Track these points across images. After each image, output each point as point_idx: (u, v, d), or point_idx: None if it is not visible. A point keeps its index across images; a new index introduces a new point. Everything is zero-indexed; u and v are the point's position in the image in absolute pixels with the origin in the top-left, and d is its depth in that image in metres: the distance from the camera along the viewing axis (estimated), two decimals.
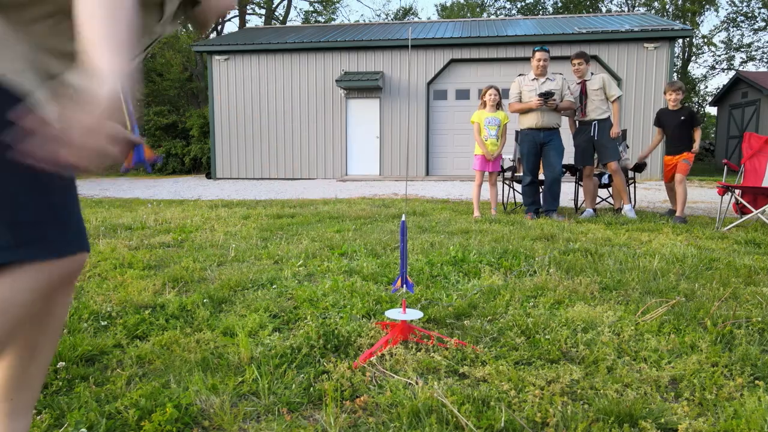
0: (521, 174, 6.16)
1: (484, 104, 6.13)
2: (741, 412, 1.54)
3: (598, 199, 6.57)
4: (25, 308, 1.00)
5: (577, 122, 6.13)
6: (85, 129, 0.80)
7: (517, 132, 6.32)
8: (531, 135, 5.88)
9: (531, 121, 5.86)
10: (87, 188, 12.46)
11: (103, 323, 2.32)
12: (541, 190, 6.13)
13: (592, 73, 6.05)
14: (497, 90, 6.09)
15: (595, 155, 6.07)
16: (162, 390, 1.70)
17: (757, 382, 1.75)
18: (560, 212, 6.41)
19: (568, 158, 7.24)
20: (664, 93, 6.07)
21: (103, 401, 1.64)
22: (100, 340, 2.11)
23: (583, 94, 5.96)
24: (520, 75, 6.12)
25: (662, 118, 6.17)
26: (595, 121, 5.92)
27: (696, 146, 5.88)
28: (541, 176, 6.10)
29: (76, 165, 0.81)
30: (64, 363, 1.86)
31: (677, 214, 5.74)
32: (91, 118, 0.80)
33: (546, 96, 5.73)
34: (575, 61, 6.00)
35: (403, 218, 2.11)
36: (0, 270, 0.96)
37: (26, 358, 1.15)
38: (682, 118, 5.92)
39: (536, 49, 5.84)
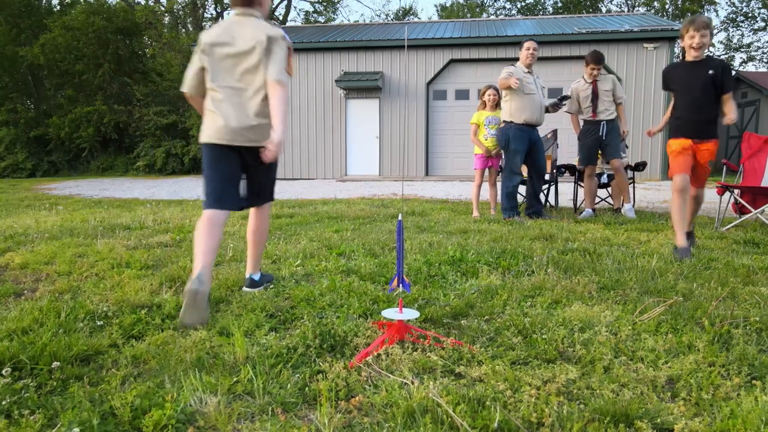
0: (509, 170, 5.66)
1: (484, 104, 6.13)
2: (737, 412, 1.53)
3: (597, 199, 6.57)
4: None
5: (581, 121, 6.07)
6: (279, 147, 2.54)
7: (507, 123, 5.69)
8: (527, 132, 5.59)
9: (530, 116, 5.55)
10: (87, 188, 12.46)
11: (99, 323, 2.31)
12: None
13: (601, 74, 6.00)
14: (496, 90, 6.07)
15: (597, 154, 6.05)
16: (157, 390, 1.69)
17: (754, 381, 1.75)
18: (560, 212, 6.41)
19: (568, 158, 7.20)
20: (681, 37, 3.78)
21: (97, 401, 1.63)
22: (95, 339, 2.10)
23: (595, 94, 5.88)
24: (511, 65, 5.76)
25: (675, 77, 3.90)
26: (604, 122, 5.88)
27: (730, 117, 3.73)
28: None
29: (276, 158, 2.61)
30: (58, 363, 1.85)
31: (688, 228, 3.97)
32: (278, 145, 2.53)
33: (564, 99, 5.72)
34: (595, 67, 5.85)
35: (400, 218, 2.10)
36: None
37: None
38: (710, 72, 3.68)
39: (525, 39, 5.72)
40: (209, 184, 2.65)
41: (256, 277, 2.91)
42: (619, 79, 13.20)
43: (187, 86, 2.72)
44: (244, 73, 2.60)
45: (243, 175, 2.73)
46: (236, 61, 2.60)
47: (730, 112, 3.73)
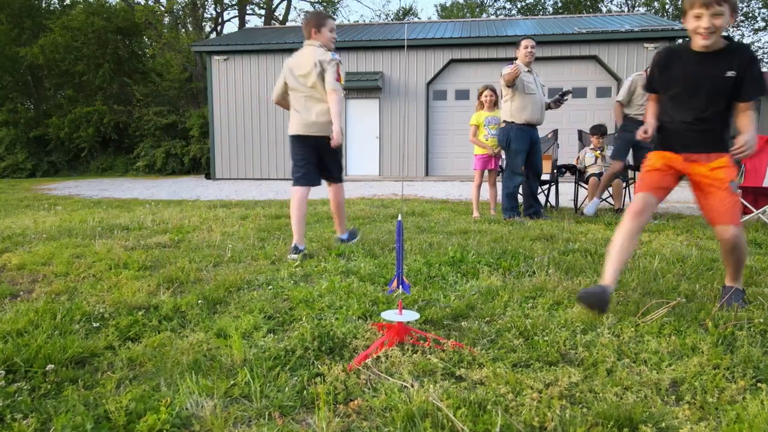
0: (510, 171, 5.59)
1: (482, 105, 6.10)
2: (743, 416, 1.51)
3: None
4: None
5: (623, 113, 5.82)
6: (339, 136, 3.77)
7: (508, 123, 5.56)
8: (528, 132, 5.51)
9: (531, 116, 5.47)
10: (87, 189, 12.44)
11: (95, 325, 2.28)
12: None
13: None
14: (492, 90, 6.04)
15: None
16: (152, 393, 1.67)
17: (759, 384, 1.72)
18: (560, 212, 6.38)
19: (568, 158, 7.15)
20: (684, 14, 2.42)
21: (91, 405, 1.61)
22: (91, 341, 2.08)
23: None
24: (510, 64, 5.50)
25: (672, 71, 2.56)
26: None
27: (743, 137, 2.34)
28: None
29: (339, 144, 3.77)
30: (53, 365, 1.83)
31: (730, 281, 2.60)
32: (338, 133, 3.75)
33: (565, 94, 5.67)
34: None
35: (400, 218, 2.07)
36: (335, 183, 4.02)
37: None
38: (729, 74, 2.38)
39: (522, 38, 5.58)
40: (296, 167, 3.90)
41: (344, 236, 4.13)
42: (619, 79, 13.21)
43: (275, 96, 4.01)
44: (310, 87, 3.77)
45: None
46: (305, 79, 3.78)
47: (745, 129, 2.38)
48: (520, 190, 5.76)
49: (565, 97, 5.73)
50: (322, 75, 3.71)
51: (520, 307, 2.53)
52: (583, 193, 6.68)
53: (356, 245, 4.02)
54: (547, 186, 6.88)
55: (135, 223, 5.33)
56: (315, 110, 3.79)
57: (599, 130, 6.51)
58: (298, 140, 3.86)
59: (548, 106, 5.76)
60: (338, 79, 3.70)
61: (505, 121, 5.59)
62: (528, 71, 5.53)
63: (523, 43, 5.53)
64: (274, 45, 14.50)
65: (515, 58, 5.60)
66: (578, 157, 6.79)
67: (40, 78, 22.16)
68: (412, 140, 14.37)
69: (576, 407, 1.58)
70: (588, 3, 29.77)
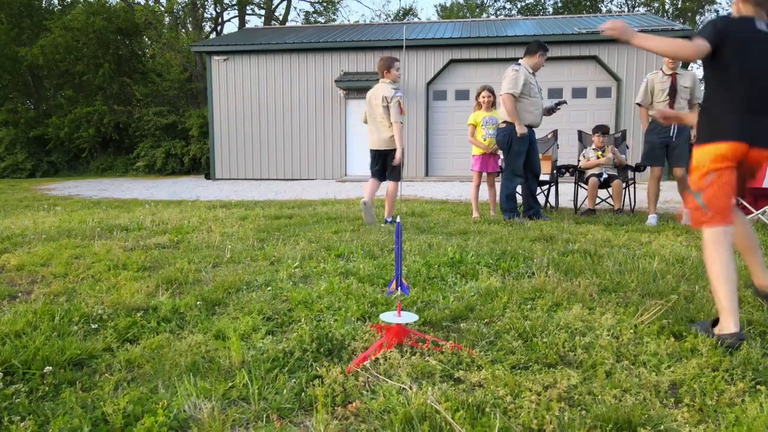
0: (510, 172, 5.58)
1: (480, 105, 6.11)
2: (742, 419, 1.50)
3: (597, 200, 6.52)
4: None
5: (650, 117, 5.62)
6: (400, 156, 5.38)
7: (509, 124, 5.50)
8: (528, 134, 5.49)
9: (533, 119, 5.50)
10: (86, 189, 12.43)
11: (93, 326, 2.28)
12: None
13: (681, 67, 5.57)
14: (490, 91, 6.04)
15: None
16: (150, 395, 1.66)
17: (758, 387, 1.71)
18: (560, 213, 6.38)
19: (568, 158, 7.13)
20: None
21: (89, 407, 1.60)
22: (89, 343, 2.07)
23: (673, 88, 5.39)
24: (517, 64, 5.58)
25: (740, 38, 2.15)
26: None
27: None
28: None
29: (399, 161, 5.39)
30: (51, 367, 1.82)
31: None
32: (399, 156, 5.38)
33: (560, 104, 5.67)
34: None
35: (398, 220, 2.07)
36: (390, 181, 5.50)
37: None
38: None
39: (542, 42, 5.64)
40: (371, 167, 5.61)
41: (389, 219, 5.48)
42: (619, 80, 13.19)
43: (363, 118, 5.69)
44: (380, 114, 5.37)
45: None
46: (377, 108, 5.38)
47: None
48: (519, 191, 5.75)
49: (559, 107, 5.74)
50: (387, 107, 5.28)
51: (519, 308, 2.52)
52: (582, 193, 6.67)
53: (356, 246, 4.02)
54: (546, 186, 6.87)
55: (134, 224, 5.32)
56: (383, 132, 5.41)
57: (601, 130, 6.50)
58: (372, 152, 5.58)
59: None
60: (400, 112, 5.23)
61: (505, 122, 5.56)
62: (531, 73, 5.56)
63: (546, 51, 5.58)
64: (274, 45, 14.49)
65: (515, 59, 5.61)
66: (583, 156, 6.69)
67: (40, 78, 22.14)
68: (412, 140, 14.36)
69: (575, 410, 1.58)
70: (588, 3, 29.76)
